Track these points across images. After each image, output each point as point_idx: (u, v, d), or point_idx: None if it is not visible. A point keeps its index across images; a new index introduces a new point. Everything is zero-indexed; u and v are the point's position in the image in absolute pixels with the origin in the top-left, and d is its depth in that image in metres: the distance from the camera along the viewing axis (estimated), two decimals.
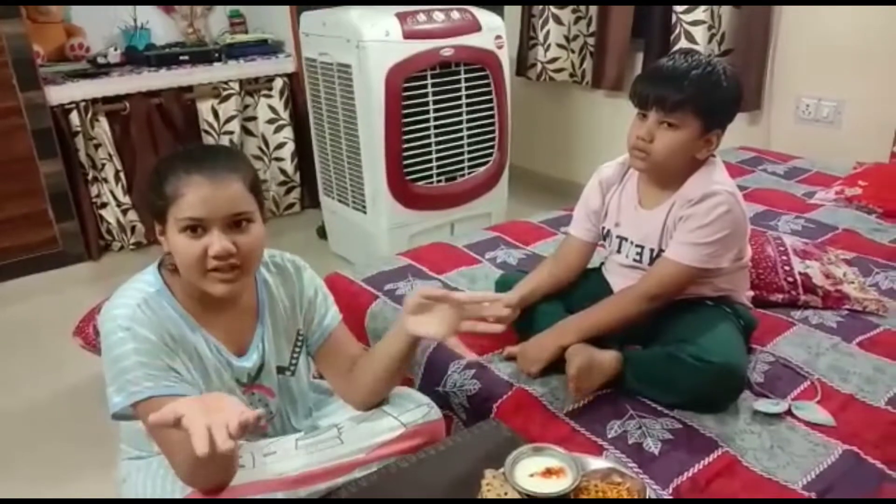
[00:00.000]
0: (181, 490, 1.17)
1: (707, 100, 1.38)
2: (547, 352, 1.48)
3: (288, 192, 3.76)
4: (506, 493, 1.04)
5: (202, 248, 1.10)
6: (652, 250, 1.51)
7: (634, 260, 1.54)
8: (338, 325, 1.37)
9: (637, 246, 1.53)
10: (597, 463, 1.13)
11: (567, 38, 3.66)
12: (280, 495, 1.14)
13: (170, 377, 1.11)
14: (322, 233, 3.45)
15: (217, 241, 1.10)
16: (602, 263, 1.69)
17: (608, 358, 1.42)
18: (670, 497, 1.18)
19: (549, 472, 1.07)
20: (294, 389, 1.35)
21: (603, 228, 1.62)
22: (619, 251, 1.58)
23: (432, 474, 1.20)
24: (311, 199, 3.75)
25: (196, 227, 1.10)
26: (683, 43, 3.04)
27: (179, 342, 1.16)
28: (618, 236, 1.58)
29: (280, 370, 1.32)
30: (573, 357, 1.40)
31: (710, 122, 1.41)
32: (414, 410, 1.31)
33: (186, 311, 1.19)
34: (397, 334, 1.26)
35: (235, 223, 1.12)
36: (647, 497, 1.08)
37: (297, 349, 1.34)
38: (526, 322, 1.58)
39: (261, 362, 1.28)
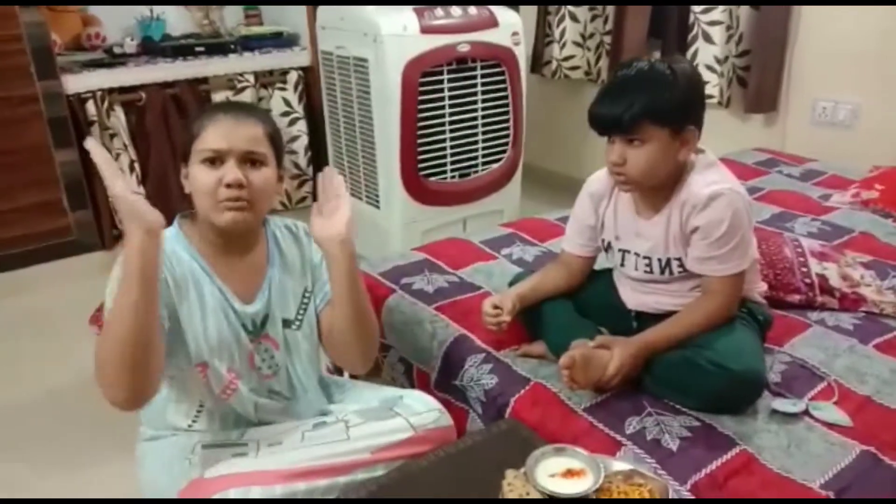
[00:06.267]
0: (186, 472, 1.21)
1: (661, 106, 1.33)
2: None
3: (300, 185, 3.76)
4: (527, 494, 1.04)
5: (217, 178, 1.21)
6: (660, 259, 1.48)
7: (645, 272, 1.51)
8: None
9: (644, 258, 1.50)
10: (619, 464, 1.14)
11: (583, 36, 3.65)
12: (278, 489, 1.15)
13: None
14: None
15: (231, 172, 1.20)
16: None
17: (608, 356, 1.38)
18: (688, 493, 1.19)
19: (569, 473, 1.07)
20: (300, 345, 1.38)
21: (603, 241, 1.59)
22: (622, 264, 1.55)
23: (449, 474, 1.20)
24: None
25: (214, 160, 1.22)
26: (701, 43, 3.03)
27: (182, 281, 1.24)
28: (620, 249, 1.55)
29: (286, 323, 1.36)
30: (573, 347, 1.40)
31: (676, 124, 1.36)
32: (424, 414, 1.32)
33: (199, 254, 1.27)
34: (326, 259, 1.29)
35: (251, 161, 1.23)
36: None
37: (304, 305, 1.39)
38: (533, 318, 1.59)
39: (266, 311, 1.33)
